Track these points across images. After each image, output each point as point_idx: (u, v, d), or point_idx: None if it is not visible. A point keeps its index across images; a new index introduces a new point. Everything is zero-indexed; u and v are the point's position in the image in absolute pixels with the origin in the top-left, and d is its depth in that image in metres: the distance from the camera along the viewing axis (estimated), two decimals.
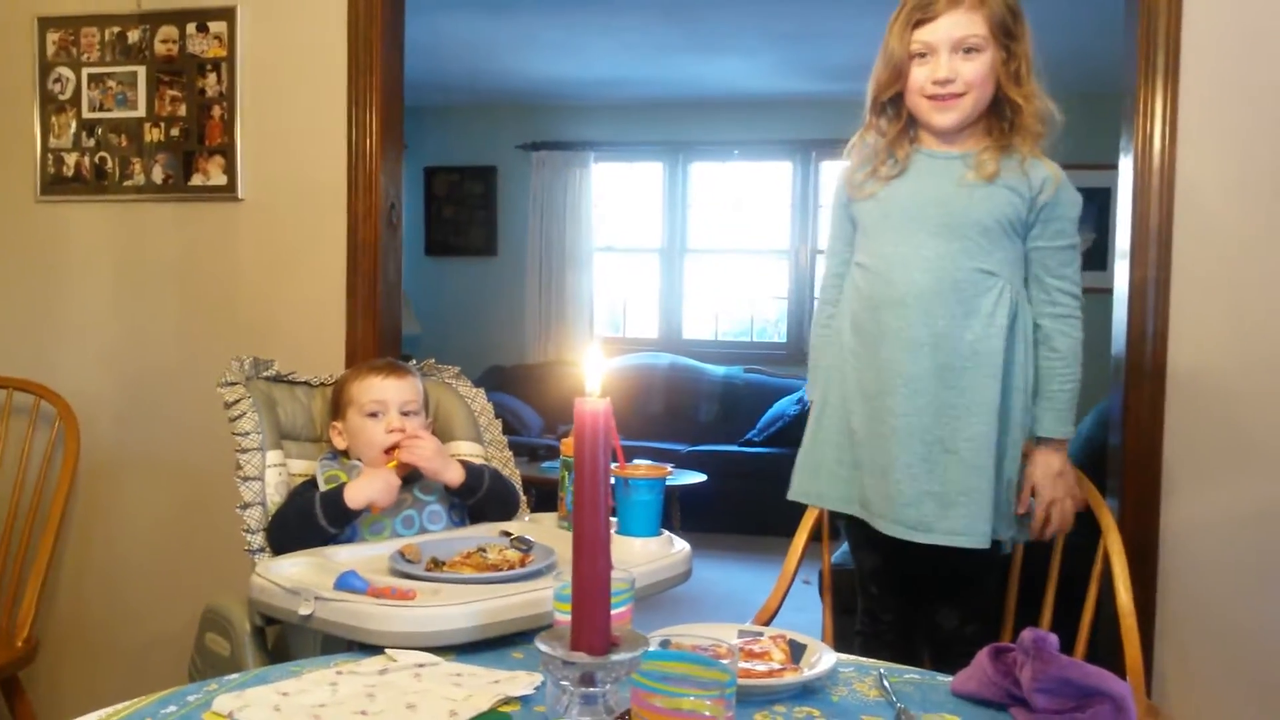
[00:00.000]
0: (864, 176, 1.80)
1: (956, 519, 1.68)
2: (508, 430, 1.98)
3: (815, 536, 2.01)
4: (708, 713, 0.87)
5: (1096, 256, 5.65)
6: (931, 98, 1.72)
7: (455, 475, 1.71)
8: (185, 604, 2.44)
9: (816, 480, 1.83)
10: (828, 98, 5.88)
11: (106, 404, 2.65)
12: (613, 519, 1.53)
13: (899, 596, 1.87)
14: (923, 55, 1.72)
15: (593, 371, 0.71)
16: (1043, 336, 1.76)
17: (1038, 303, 1.76)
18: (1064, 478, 1.76)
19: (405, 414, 1.74)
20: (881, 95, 1.77)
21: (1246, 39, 2.13)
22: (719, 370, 6.26)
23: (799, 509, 1.99)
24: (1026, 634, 1.13)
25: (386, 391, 1.74)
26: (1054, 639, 1.11)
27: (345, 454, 1.77)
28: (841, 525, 1.92)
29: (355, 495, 1.61)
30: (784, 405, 5.75)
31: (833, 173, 6.30)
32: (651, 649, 0.89)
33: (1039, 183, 1.71)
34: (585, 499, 0.70)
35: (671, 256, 6.71)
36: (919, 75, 1.72)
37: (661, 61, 5.49)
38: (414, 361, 1.95)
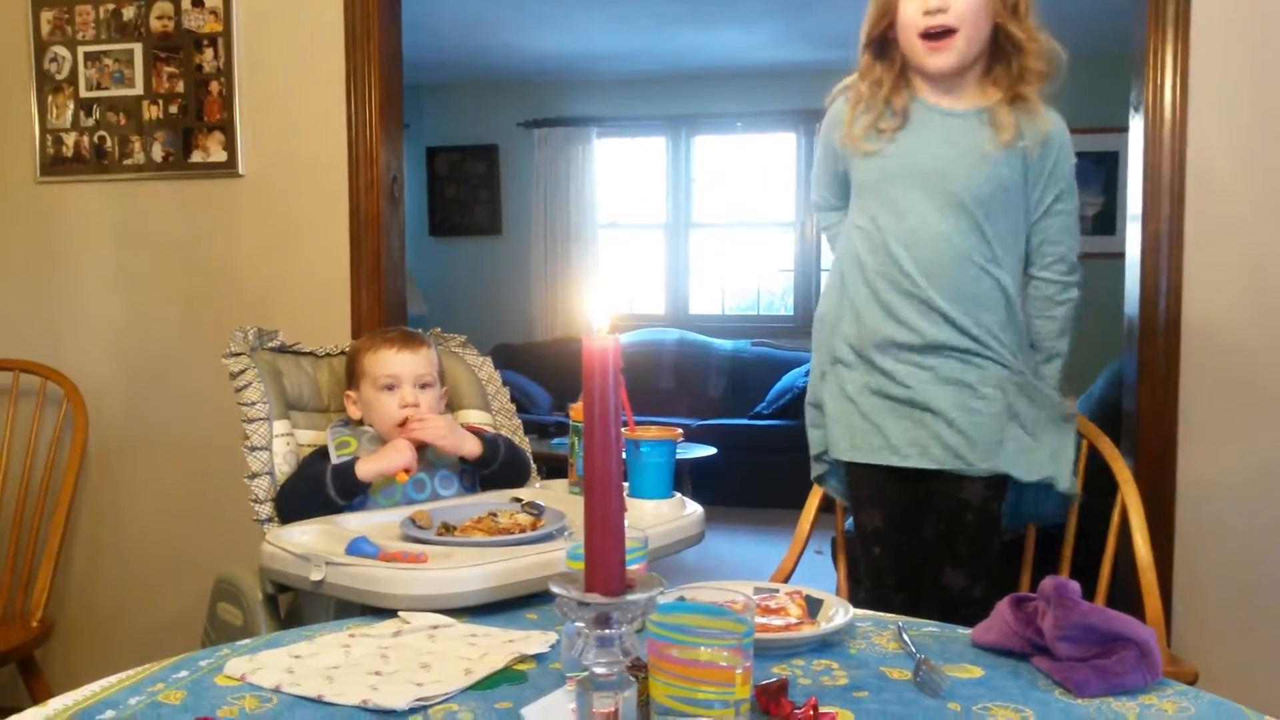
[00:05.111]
0: (863, 130, 1.71)
1: (988, 458, 1.67)
2: (517, 408, 1.96)
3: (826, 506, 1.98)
4: (724, 662, 0.85)
5: (1105, 220, 5.61)
6: (924, 36, 1.63)
7: (472, 448, 1.70)
8: (198, 580, 2.42)
9: (851, 434, 1.78)
10: (829, 66, 5.75)
11: (113, 383, 2.64)
12: (624, 482, 1.51)
13: (901, 556, 1.81)
14: None
15: (599, 309, 0.69)
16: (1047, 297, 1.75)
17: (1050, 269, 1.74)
18: None
19: (421, 387, 1.72)
20: (873, 31, 1.70)
21: None
22: (727, 344, 6.24)
23: (809, 481, 1.96)
24: (1047, 582, 1.11)
25: (400, 365, 1.71)
26: (1075, 586, 1.09)
27: (359, 422, 1.75)
28: (837, 485, 1.88)
29: (367, 469, 1.60)
30: (793, 378, 5.72)
31: None
32: (668, 602, 0.87)
33: (1039, 141, 1.65)
34: (596, 438, 0.68)
35: (677, 231, 6.67)
36: (908, 9, 1.64)
37: (660, 34, 5.44)
38: (421, 331, 1.93)
